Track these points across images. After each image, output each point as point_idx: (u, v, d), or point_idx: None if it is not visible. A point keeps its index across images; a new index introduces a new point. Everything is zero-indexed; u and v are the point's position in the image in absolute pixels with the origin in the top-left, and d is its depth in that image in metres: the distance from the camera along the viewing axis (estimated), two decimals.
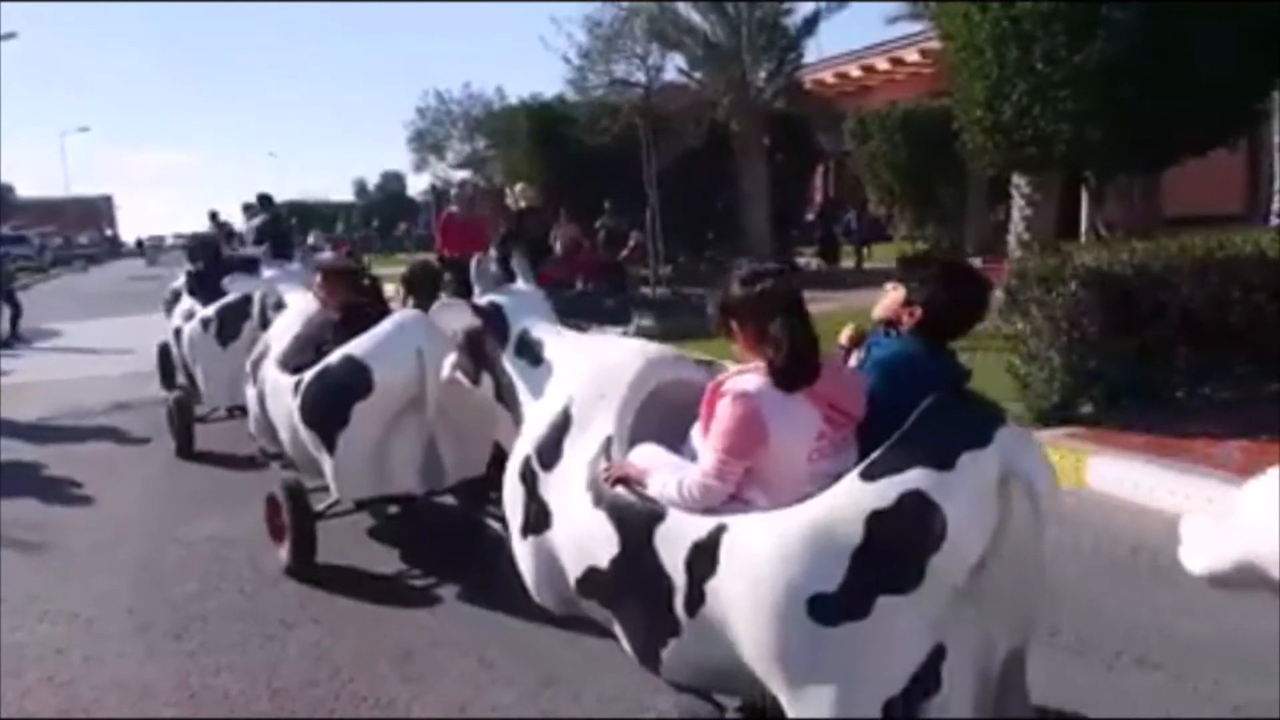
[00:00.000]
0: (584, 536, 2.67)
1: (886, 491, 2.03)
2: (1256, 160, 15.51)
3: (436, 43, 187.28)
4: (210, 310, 7.03)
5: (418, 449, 4.41)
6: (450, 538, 4.91)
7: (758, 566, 2.15)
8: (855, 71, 21.66)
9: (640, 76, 16.02)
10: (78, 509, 5.96)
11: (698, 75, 16.93)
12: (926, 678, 2.07)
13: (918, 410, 2.11)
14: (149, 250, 49.13)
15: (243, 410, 5.79)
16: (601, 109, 16.27)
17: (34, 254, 38.80)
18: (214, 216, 15.75)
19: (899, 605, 2.03)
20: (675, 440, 2.63)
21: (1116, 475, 5.04)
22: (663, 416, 2.76)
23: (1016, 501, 2.05)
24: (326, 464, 4.45)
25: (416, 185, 45.45)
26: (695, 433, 2.55)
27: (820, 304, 9.18)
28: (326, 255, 16.34)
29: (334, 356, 4.44)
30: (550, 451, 2.87)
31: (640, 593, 2.49)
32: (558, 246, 12.36)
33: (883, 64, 20.75)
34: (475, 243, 10.08)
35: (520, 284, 3.60)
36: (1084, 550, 4.25)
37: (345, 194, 55.04)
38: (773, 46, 16.53)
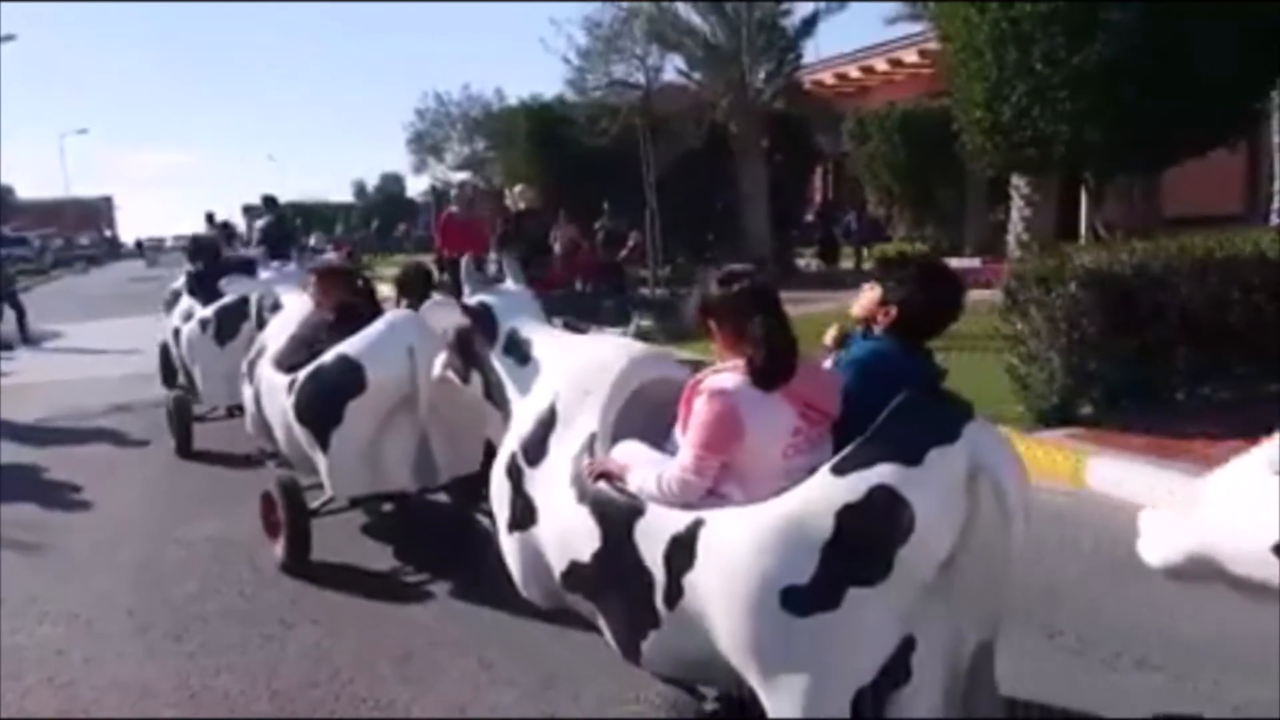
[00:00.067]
0: (568, 531, 2.74)
1: (856, 486, 2.09)
2: (1256, 160, 15.50)
3: (436, 43, 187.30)
4: (209, 311, 7.09)
5: (411, 446, 4.46)
6: (444, 535, 4.95)
7: (733, 559, 2.20)
8: (854, 72, 21.67)
9: (639, 77, 16.06)
10: (77, 510, 5.97)
11: (697, 76, 16.93)
12: (896, 669, 2.12)
13: (888, 408, 2.15)
14: (149, 251, 49.12)
15: (241, 410, 5.81)
16: (601, 110, 16.28)
17: (34, 255, 38.82)
18: (210, 218, 15.77)
19: (868, 597, 2.08)
20: (659, 437, 2.69)
21: (1116, 476, 5.04)
22: (647, 414, 2.82)
23: (984, 497, 2.10)
24: (321, 461, 4.50)
25: (416, 187, 45.52)
26: (678, 430, 2.59)
27: (819, 304, 9.24)
28: (330, 256, 16.39)
29: (328, 356, 4.49)
30: (536, 448, 2.94)
31: (621, 586, 2.55)
32: (557, 247, 12.39)
33: (882, 65, 20.74)
34: (475, 243, 10.13)
35: (509, 284, 3.68)
36: (1084, 550, 4.24)
37: (344, 195, 55.15)
38: (772, 47, 16.53)
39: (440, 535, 4.98)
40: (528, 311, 3.48)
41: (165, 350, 8.22)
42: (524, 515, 2.96)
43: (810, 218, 22.02)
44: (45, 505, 6.02)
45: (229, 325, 6.75)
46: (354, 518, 5.09)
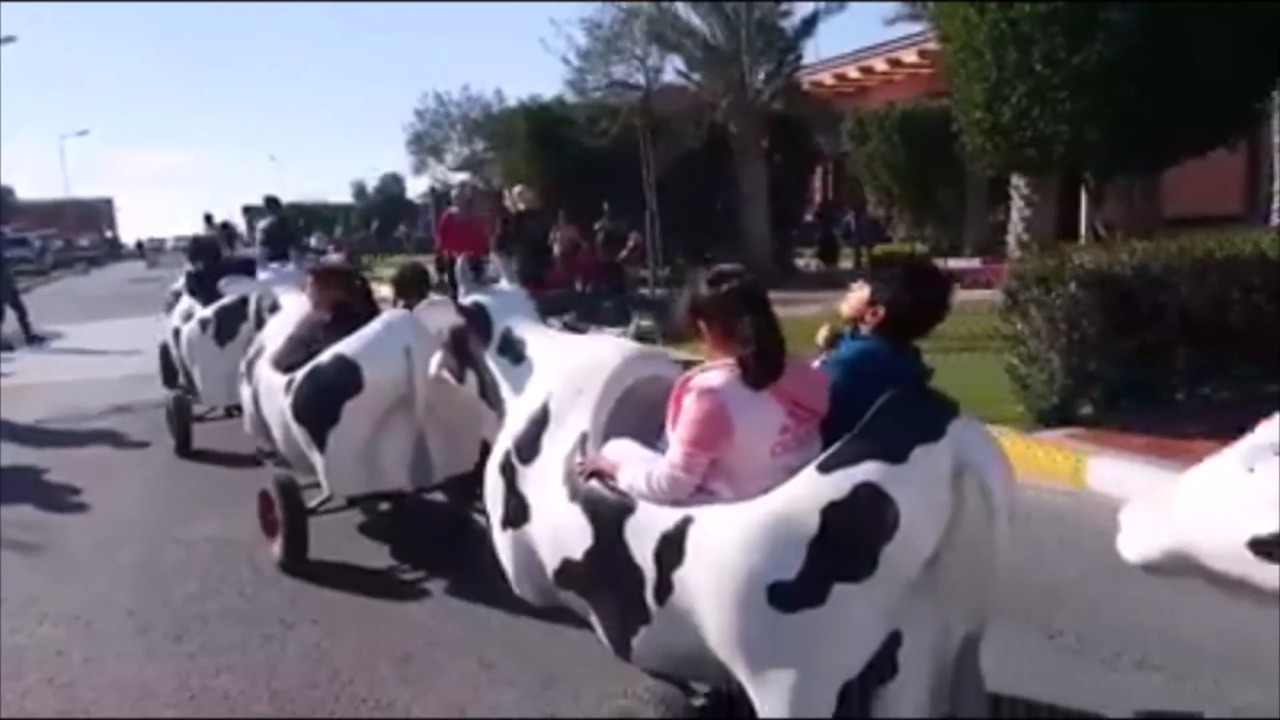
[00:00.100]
0: (560, 529, 2.76)
1: (842, 483, 2.11)
2: (1256, 160, 15.49)
3: (436, 43, 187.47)
4: (208, 311, 7.13)
5: (407, 446, 4.48)
6: (441, 534, 4.97)
7: (721, 556, 2.23)
8: (854, 73, 21.68)
9: (639, 78, 16.09)
10: (77, 510, 5.98)
11: (696, 77, 16.95)
12: (883, 664, 2.15)
13: (874, 406, 2.17)
14: (149, 252, 49.17)
15: (240, 409, 5.81)
16: (600, 111, 16.30)
17: (35, 257, 38.82)
18: (209, 219, 15.78)
19: (854, 593, 2.10)
20: (651, 436, 2.71)
21: (1116, 476, 5.04)
22: (640, 413, 2.84)
23: (969, 494, 2.12)
24: (318, 461, 4.52)
25: (416, 188, 45.52)
26: (670, 428, 2.61)
27: (819, 305, 9.23)
28: (334, 257, 16.41)
29: (325, 356, 4.52)
30: (529, 446, 2.96)
31: (613, 583, 2.58)
32: (557, 248, 12.38)
33: (881, 65, 20.76)
34: (475, 243, 10.12)
35: (504, 284, 3.71)
36: (1084, 550, 4.24)
37: (344, 196, 55.15)
38: (771, 48, 16.55)
39: (437, 534, 5.00)
40: (522, 311, 3.51)
41: (166, 351, 8.23)
42: (517, 513, 2.99)
43: (810, 218, 22.04)
44: (45, 505, 6.03)
45: (228, 326, 6.78)
46: (351, 517, 5.10)
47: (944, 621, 2.22)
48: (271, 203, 14.64)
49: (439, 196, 29.22)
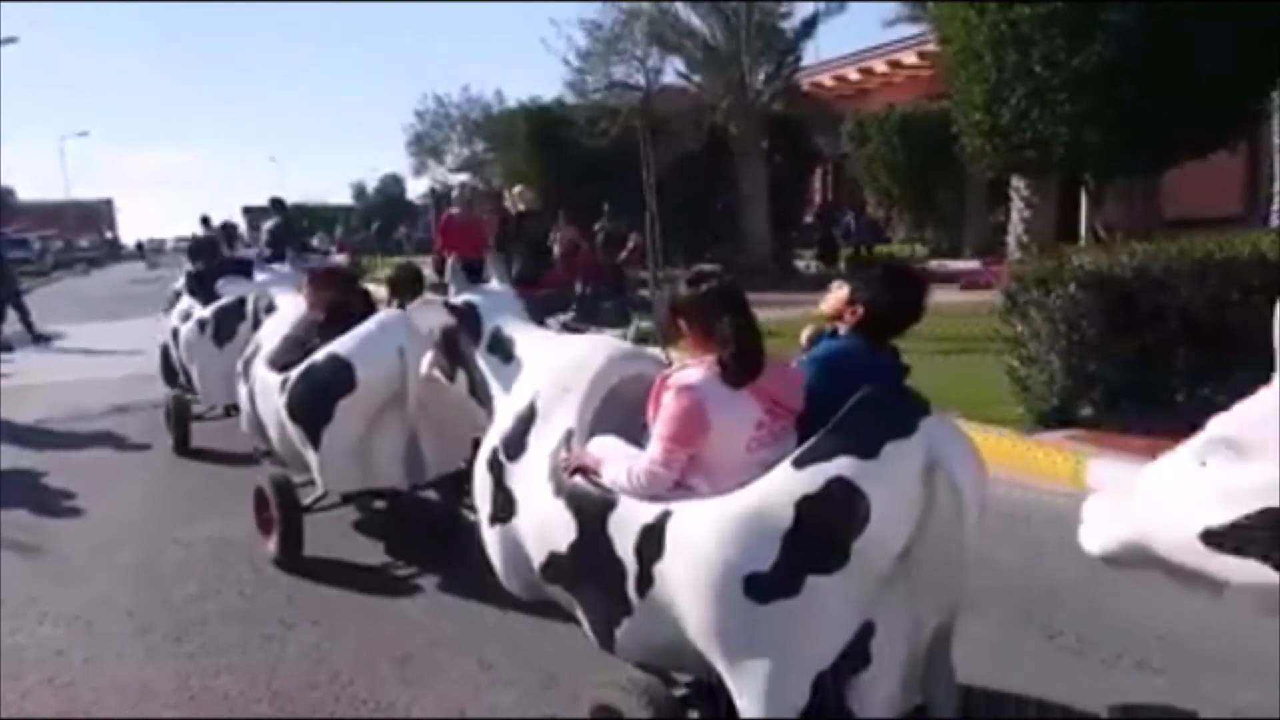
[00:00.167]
0: (546, 524, 2.81)
1: (815, 478, 2.15)
2: (1256, 162, 15.50)
3: (436, 44, 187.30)
4: (207, 312, 7.19)
5: (400, 443, 4.52)
6: (434, 530, 5.00)
7: (698, 549, 2.28)
8: (853, 74, 21.69)
9: (639, 79, 16.12)
10: (77, 511, 5.98)
11: (696, 78, 16.99)
12: (856, 654, 2.20)
13: (849, 403, 2.22)
14: (149, 253, 49.22)
15: (239, 409, 5.83)
16: (600, 112, 16.33)
17: (35, 258, 38.83)
18: (206, 221, 15.75)
19: (827, 584, 2.15)
20: (636, 433, 2.74)
21: (1116, 477, 5.03)
22: (625, 411, 2.88)
23: (940, 489, 2.16)
24: (312, 458, 4.57)
25: (416, 189, 45.57)
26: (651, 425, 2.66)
27: (817, 305, 9.22)
28: (338, 258, 16.39)
29: (319, 355, 4.56)
30: (516, 443, 3.02)
31: (596, 576, 2.63)
32: (557, 249, 12.38)
33: (881, 66, 20.77)
34: (475, 244, 10.12)
35: (494, 284, 3.77)
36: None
37: (344, 197, 55.16)
38: (771, 49, 16.58)
39: (430, 531, 5.03)
40: (511, 311, 3.56)
41: (166, 351, 8.24)
42: (505, 508, 3.04)
43: (810, 219, 22.06)
44: (45, 506, 6.03)
45: (227, 326, 6.83)
46: (346, 514, 5.14)
47: (916, 614, 2.27)
48: (277, 204, 14.62)
49: (439, 197, 29.26)
